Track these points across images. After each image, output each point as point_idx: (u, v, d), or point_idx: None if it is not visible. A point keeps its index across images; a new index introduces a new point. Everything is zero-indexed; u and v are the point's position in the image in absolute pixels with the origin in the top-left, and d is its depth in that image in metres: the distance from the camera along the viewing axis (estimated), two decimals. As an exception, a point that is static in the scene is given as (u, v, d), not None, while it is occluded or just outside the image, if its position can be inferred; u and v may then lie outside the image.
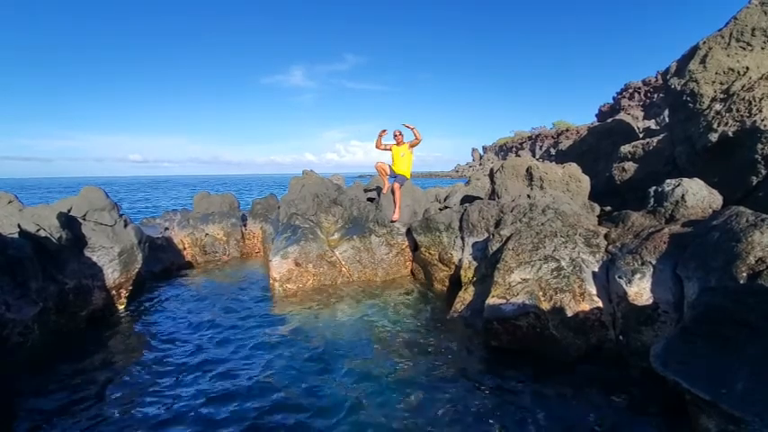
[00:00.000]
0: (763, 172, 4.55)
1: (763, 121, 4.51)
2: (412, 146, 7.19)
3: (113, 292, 5.19)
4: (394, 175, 7.12)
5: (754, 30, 5.11)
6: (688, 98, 5.54)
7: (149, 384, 3.51)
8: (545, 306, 3.72)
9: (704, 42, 5.50)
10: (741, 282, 2.61)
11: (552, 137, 54.21)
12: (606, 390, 3.15)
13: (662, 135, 7.23)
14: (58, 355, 4.07)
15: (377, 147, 7.36)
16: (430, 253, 5.99)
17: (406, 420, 2.91)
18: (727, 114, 4.89)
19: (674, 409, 2.56)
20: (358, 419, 2.93)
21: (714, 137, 4.98)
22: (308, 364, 3.78)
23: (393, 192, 6.86)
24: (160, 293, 6.15)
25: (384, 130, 7.25)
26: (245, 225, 9.27)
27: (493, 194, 6.46)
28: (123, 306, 5.32)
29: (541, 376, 3.41)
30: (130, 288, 5.42)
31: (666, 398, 2.74)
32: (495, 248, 4.67)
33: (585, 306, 3.71)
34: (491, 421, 2.85)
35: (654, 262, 3.41)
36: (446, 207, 7.07)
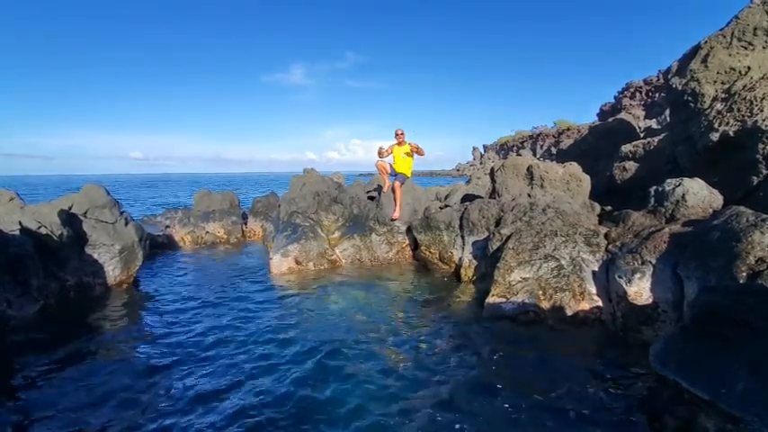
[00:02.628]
0: (764, 172, 4.55)
1: (764, 120, 4.50)
2: (413, 152, 7.16)
3: (114, 289, 5.20)
4: (394, 174, 7.11)
5: (755, 29, 5.10)
6: (689, 98, 5.54)
7: (145, 374, 3.52)
8: (545, 305, 3.73)
9: (706, 42, 5.49)
10: (741, 281, 2.62)
11: (553, 136, 54.15)
12: (603, 386, 3.16)
13: (663, 134, 7.22)
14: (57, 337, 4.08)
15: (379, 155, 7.25)
16: (430, 251, 5.99)
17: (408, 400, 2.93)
18: (729, 114, 4.89)
19: (673, 408, 2.57)
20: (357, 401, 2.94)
21: (715, 136, 4.97)
22: (305, 354, 3.76)
23: (393, 190, 6.86)
24: (160, 275, 6.18)
25: (386, 149, 7.25)
26: (245, 223, 9.29)
27: (493, 193, 6.46)
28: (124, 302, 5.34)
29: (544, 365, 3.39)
30: (131, 285, 5.44)
31: (665, 397, 2.75)
32: (495, 247, 4.68)
33: (585, 305, 3.72)
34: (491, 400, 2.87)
35: (654, 261, 3.41)
36: (446, 206, 7.07)
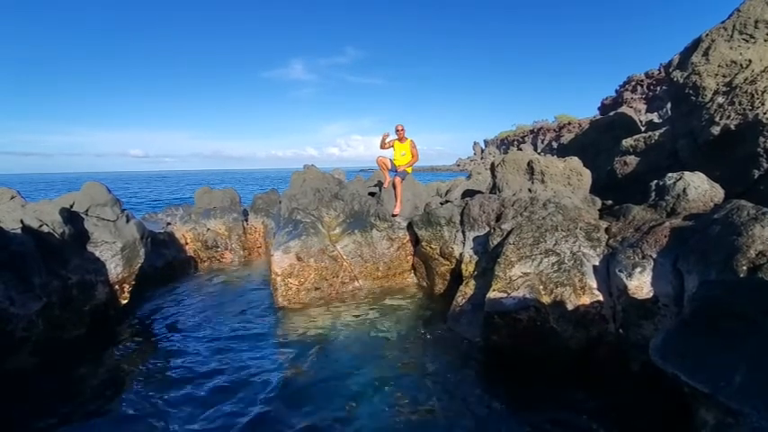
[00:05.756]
0: (765, 165, 4.53)
1: (765, 114, 4.48)
2: (410, 151, 7.18)
3: (116, 287, 5.21)
4: (395, 170, 7.12)
5: (757, 22, 5.06)
6: (690, 91, 5.51)
7: (148, 389, 3.56)
8: (545, 300, 3.73)
9: (707, 35, 5.45)
10: (741, 275, 2.62)
11: (554, 130, 54.04)
12: (603, 400, 3.17)
13: (664, 128, 7.20)
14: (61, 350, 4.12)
15: (381, 147, 7.31)
16: (431, 247, 5.99)
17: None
18: (730, 107, 4.87)
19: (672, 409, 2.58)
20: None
21: (716, 130, 4.95)
22: (307, 374, 3.79)
23: (394, 186, 6.87)
24: (163, 299, 6.19)
25: (387, 134, 7.24)
26: (246, 220, 9.29)
27: (494, 188, 6.45)
28: (126, 300, 5.35)
29: (535, 400, 3.38)
30: (133, 283, 5.45)
31: (665, 396, 2.76)
32: (495, 242, 4.68)
33: (586, 300, 3.72)
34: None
35: (654, 256, 3.41)
36: (447, 201, 7.07)
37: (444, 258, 5.85)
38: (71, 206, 5.07)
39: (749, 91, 4.72)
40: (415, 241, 6.51)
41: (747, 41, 5.14)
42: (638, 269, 3.42)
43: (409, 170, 7.23)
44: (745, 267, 2.63)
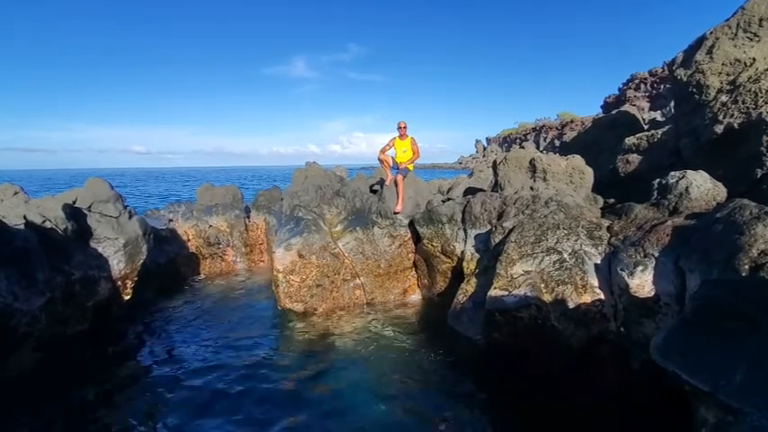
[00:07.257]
0: (769, 164, 4.52)
1: (769, 112, 4.46)
2: (411, 149, 7.16)
3: (119, 282, 5.24)
4: (397, 167, 7.12)
5: (761, 20, 5.03)
6: (694, 89, 5.48)
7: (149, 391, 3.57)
8: (547, 298, 3.73)
9: (711, 32, 5.42)
10: (743, 274, 2.61)
11: (557, 128, 53.86)
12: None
13: (667, 127, 7.18)
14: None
15: (382, 151, 7.25)
16: (432, 245, 6.00)
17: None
18: (733, 106, 4.85)
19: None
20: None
21: (719, 129, 4.93)
22: (306, 375, 3.79)
23: (396, 183, 6.86)
24: (165, 295, 6.21)
25: (390, 144, 7.22)
26: (248, 217, 9.30)
27: (496, 186, 6.44)
28: (129, 296, 5.37)
29: (535, 398, 3.37)
30: (136, 279, 5.47)
31: (665, 394, 2.77)
32: (497, 240, 4.68)
33: (587, 298, 3.72)
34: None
35: (656, 254, 3.40)
36: (449, 199, 7.06)
37: (446, 256, 5.85)
38: (74, 202, 5.09)
39: (753, 89, 4.70)
40: (417, 239, 6.51)
41: (752, 40, 5.11)
42: (640, 268, 3.41)
43: (411, 167, 7.22)
44: (746, 266, 2.62)
